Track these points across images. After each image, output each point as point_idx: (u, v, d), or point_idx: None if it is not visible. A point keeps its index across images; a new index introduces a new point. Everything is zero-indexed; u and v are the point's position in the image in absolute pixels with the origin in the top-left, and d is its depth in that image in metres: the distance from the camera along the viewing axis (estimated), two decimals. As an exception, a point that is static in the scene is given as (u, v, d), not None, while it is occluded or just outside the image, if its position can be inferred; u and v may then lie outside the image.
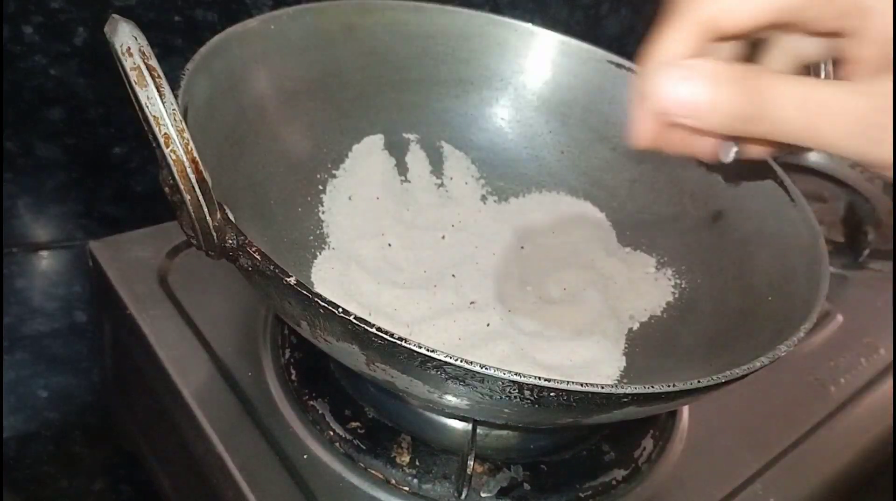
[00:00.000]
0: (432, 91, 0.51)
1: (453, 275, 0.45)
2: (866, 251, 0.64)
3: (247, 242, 0.31)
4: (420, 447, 0.40)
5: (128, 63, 0.27)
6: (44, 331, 0.56)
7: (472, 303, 0.44)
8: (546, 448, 0.42)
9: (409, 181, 0.50)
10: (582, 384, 0.28)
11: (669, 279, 0.47)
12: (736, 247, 0.44)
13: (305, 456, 0.39)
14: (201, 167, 0.29)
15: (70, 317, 0.57)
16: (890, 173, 0.23)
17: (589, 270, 0.48)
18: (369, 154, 0.49)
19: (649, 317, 0.45)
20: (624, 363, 0.42)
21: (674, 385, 0.30)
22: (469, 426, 0.39)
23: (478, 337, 0.41)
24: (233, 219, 0.32)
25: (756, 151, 0.27)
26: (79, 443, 0.55)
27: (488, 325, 0.42)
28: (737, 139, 0.26)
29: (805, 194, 0.43)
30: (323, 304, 0.29)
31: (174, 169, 0.28)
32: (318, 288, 0.41)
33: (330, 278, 0.42)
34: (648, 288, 0.47)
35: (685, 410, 0.47)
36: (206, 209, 0.30)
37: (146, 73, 0.27)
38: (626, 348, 0.43)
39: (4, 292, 0.55)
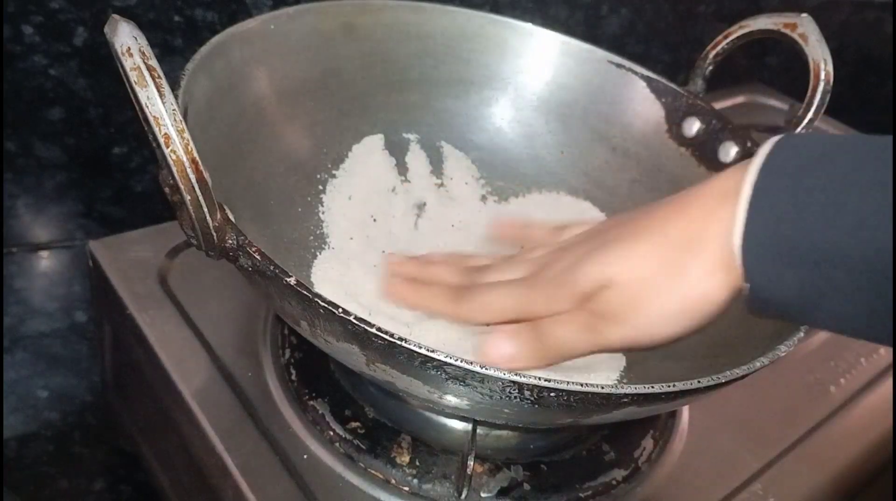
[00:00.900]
0: (432, 91, 0.51)
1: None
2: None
3: (247, 242, 0.31)
4: (420, 447, 0.40)
5: (128, 63, 0.27)
6: (44, 331, 0.56)
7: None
8: (546, 448, 0.42)
9: (409, 181, 0.50)
10: (582, 384, 0.29)
11: (669, 279, 0.47)
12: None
13: (305, 456, 0.39)
14: (201, 167, 0.29)
15: (70, 317, 0.57)
16: None
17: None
18: (369, 154, 0.49)
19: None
20: (624, 363, 0.42)
21: (674, 385, 0.30)
22: (469, 426, 0.39)
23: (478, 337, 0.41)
24: (233, 219, 0.32)
25: None
26: (79, 443, 0.55)
27: (488, 325, 0.42)
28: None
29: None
30: (323, 304, 0.29)
31: (174, 169, 0.28)
32: (318, 288, 0.41)
33: (330, 278, 0.42)
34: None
35: (685, 410, 0.47)
36: (206, 209, 0.30)
37: (146, 73, 0.27)
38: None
39: (4, 292, 0.55)
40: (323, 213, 0.46)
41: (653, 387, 0.30)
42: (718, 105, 0.51)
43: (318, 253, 0.44)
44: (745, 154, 0.46)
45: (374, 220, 0.47)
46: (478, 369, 0.28)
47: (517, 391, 0.29)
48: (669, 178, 0.49)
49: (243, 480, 0.37)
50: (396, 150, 0.50)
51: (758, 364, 0.32)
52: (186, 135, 0.28)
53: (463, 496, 0.38)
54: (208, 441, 0.39)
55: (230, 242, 0.31)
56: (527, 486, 0.39)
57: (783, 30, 0.45)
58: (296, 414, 0.41)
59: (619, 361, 0.42)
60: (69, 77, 0.52)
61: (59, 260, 0.58)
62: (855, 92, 1.03)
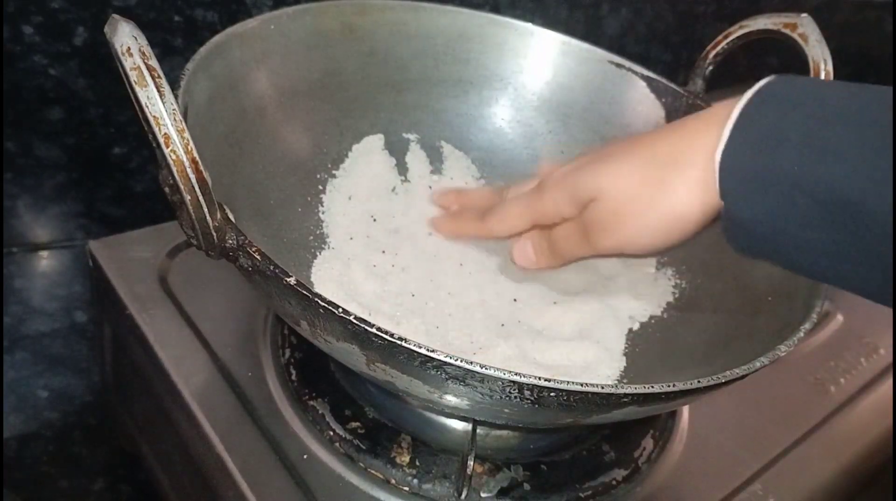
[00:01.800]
0: (432, 91, 0.51)
1: (452, 275, 0.45)
2: (866, 251, 0.64)
3: (247, 242, 0.31)
4: (420, 447, 0.40)
5: (128, 63, 0.27)
6: (44, 331, 0.56)
7: (471, 303, 0.44)
8: (546, 448, 0.42)
9: (409, 181, 0.50)
10: (582, 384, 0.29)
11: (669, 279, 0.47)
12: (736, 247, 0.44)
13: (305, 456, 0.39)
14: (201, 167, 0.29)
15: (70, 317, 0.57)
16: None
17: (589, 270, 0.48)
18: (369, 154, 0.49)
19: (649, 317, 0.45)
20: (624, 363, 0.42)
21: (674, 385, 0.30)
22: (469, 426, 0.39)
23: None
24: (233, 219, 0.32)
25: None
26: (79, 443, 0.55)
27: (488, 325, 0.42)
28: None
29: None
30: (323, 304, 0.29)
31: (174, 169, 0.28)
32: (318, 288, 0.41)
33: (330, 278, 0.42)
34: (648, 288, 0.47)
35: (685, 410, 0.47)
36: (206, 209, 0.30)
37: (146, 73, 0.27)
38: (626, 348, 0.43)
39: (4, 292, 0.55)
40: (323, 213, 0.46)
41: (653, 387, 0.30)
42: (718, 105, 0.50)
43: (318, 253, 0.44)
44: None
45: (374, 220, 0.47)
46: (478, 369, 0.28)
47: (517, 391, 0.29)
48: (669, 178, 0.49)
49: (243, 480, 0.37)
50: (396, 150, 0.50)
51: (758, 364, 0.32)
52: (186, 135, 0.28)
53: (463, 496, 0.38)
54: (208, 441, 0.39)
55: (230, 242, 0.31)
56: (527, 486, 0.39)
57: (783, 30, 0.45)
58: (296, 414, 0.41)
59: (620, 361, 0.42)
60: (69, 77, 0.52)
61: (59, 260, 0.58)
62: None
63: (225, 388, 0.42)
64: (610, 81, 0.51)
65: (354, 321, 0.29)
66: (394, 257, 0.45)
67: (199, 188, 0.29)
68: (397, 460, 0.39)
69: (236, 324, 0.46)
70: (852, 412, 0.50)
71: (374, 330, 0.28)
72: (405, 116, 0.51)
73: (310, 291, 0.29)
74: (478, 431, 0.39)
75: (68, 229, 0.58)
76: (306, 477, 0.38)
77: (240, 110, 0.42)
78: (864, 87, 0.30)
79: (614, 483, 0.41)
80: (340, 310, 0.29)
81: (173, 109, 0.28)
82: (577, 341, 0.43)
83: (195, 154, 0.29)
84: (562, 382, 0.28)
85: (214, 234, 0.31)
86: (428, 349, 0.28)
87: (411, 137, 0.51)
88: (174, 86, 0.33)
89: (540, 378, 0.28)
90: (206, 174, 0.29)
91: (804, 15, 0.45)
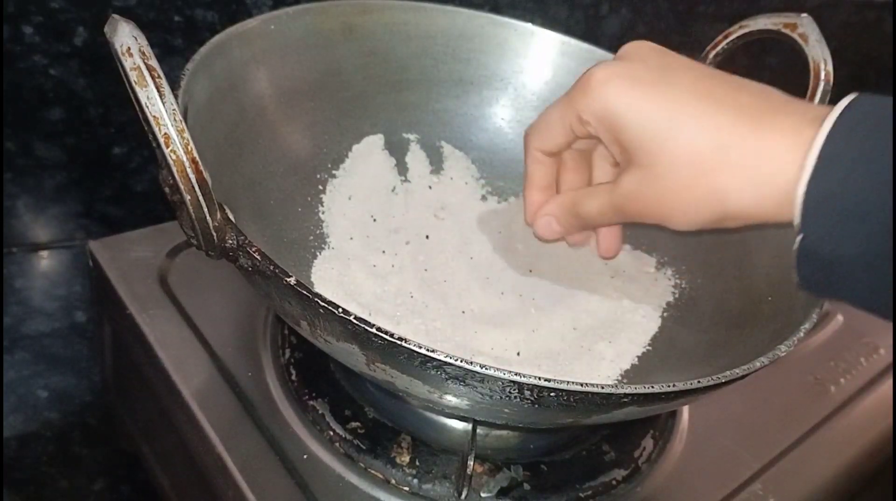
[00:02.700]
0: (432, 91, 0.51)
1: (452, 275, 0.45)
2: (866, 251, 0.64)
3: (247, 242, 0.31)
4: (420, 447, 0.40)
5: (128, 63, 0.27)
6: (44, 331, 0.56)
7: (470, 303, 0.44)
8: (546, 448, 0.42)
9: (409, 181, 0.50)
10: (582, 384, 0.28)
11: (669, 279, 0.47)
12: (736, 247, 0.44)
13: (305, 456, 0.39)
14: (201, 167, 0.29)
15: (70, 317, 0.57)
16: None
17: (590, 270, 0.48)
18: (369, 154, 0.49)
19: (649, 317, 0.45)
20: (624, 363, 0.42)
21: (674, 385, 0.30)
22: (469, 426, 0.39)
23: (477, 337, 0.41)
24: (233, 219, 0.32)
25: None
26: (79, 443, 0.55)
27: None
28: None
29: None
30: (323, 304, 0.29)
31: (174, 169, 0.28)
32: (318, 288, 0.41)
33: (330, 278, 0.42)
34: (648, 288, 0.47)
35: (685, 410, 0.47)
36: (206, 209, 0.30)
37: (146, 73, 0.27)
38: (626, 348, 0.43)
39: (4, 292, 0.55)
40: (323, 213, 0.46)
41: (653, 387, 0.30)
42: (718, 105, 0.50)
43: (318, 253, 0.44)
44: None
45: (374, 220, 0.47)
46: (478, 369, 0.28)
47: (517, 391, 0.29)
48: (669, 178, 0.49)
49: (243, 480, 0.37)
50: (396, 150, 0.50)
51: (758, 364, 0.32)
52: (186, 135, 0.28)
53: (463, 496, 0.38)
54: (208, 441, 0.39)
55: (230, 242, 0.31)
56: (527, 486, 0.39)
57: (783, 30, 0.45)
58: (296, 414, 0.41)
59: (620, 361, 0.42)
60: (69, 77, 0.52)
61: (59, 260, 0.58)
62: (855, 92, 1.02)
63: (225, 388, 0.42)
64: (610, 81, 0.51)
65: (354, 321, 0.29)
66: (394, 257, 0.45)
67: (199, 188, 0.29)
68: (397, 460, 0.39)
69: (236, 324, 0.46)
70: (852, 412, 0.50)
71: (374, 330, 0.28)
72: (405, 116, 0.51)
73: (310, 291, 0.29)
74: (478, 431, 0.39)
75: (68, 229, 0.58)
76: (306, 477, 0.38)
77: (240, 110, 0.42)
78: None
79: (614, 483, 0.41)
80: (340, 310, 0.29)
81: (173, 109, 0.28)
82: (578, 340, 0.43)
83: (195, 154, 0.29)
84: (562, 382, 0.28)
85: (214, 234, 0.31)
86: (428, 349, 0.28)
87: (411, 137, 0.51)
88: (174, 86, 0.33)
89: (540, 378, 0.28)
90: (206, 174, 0.29)
91: (804, 15, 0.45)
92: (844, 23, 0.98)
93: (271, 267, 0.30)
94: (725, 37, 0.48)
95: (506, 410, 0.32)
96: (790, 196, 0.30)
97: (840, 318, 0.58)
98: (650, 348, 0.43)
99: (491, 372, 0.28)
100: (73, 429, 0.55)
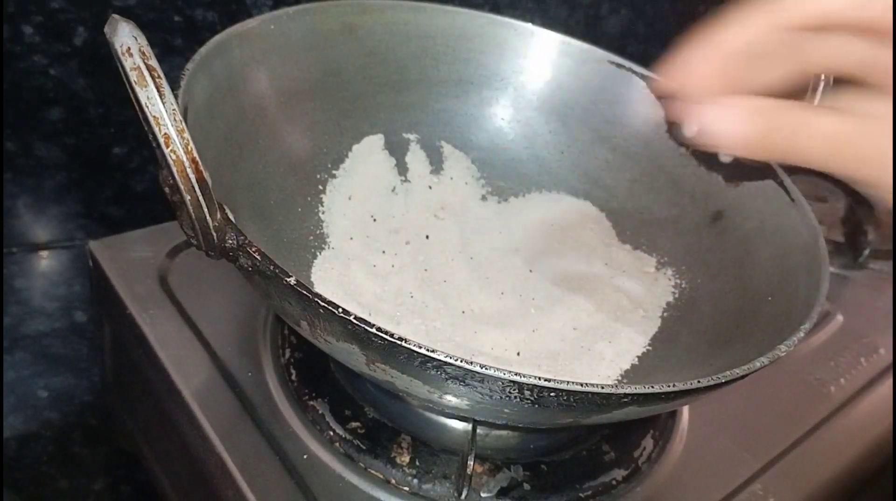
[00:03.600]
0: (432, 91, 0.51)
1: (452, 275, 0.45)
2: (866, 251, 0.64)
3: (247, 242, 0.31)
4: (420, 447, 0.40)
5: (128, 63, 0.27)
6: (44, 331, 0.56)
7: (470, 303, 0.44)
8: (546, 448, 0.42)
9: (409, 181, 0.50)
10: (582, 384, 0.28)
11: (669, 279, 0.47)
12: (736, 247, 0.44)
13: (305, 456, 0.39)
14: (201, 167, 0.29)
15: (70, 317, 0.57)
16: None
17: (589, 270, 0.48)
18: (369, 154, 0.49)
19: (649, 317, 0.45)
20: (625, 364, 0.42)
21: (674, 385, 0.30)
22: (469, 426, 0.39)
23: (477, 337, 0.41)
24: (233, 219, 0.32)
25: None
26: (79, 443, 0.55)
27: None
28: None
29: (805, 194, 0.43)
30: (323, 304, 0.29)
31: (174, 169, 0.28)
32: (318, 288, 0.41)
33: (330, 278, 0.42)
34: (648, 288, 0.47)
35: (685, 410, 0.47)
36: (206, 209, 0.30)
37: (146, 73, 0.27)
38: (626, 348, 0.43)
39: (4, 292, 0.55)
40: (323, 213, 0.46)
41: (653, 387, 0.30)
42: (718, 105, 0.50)
43: (318, 253, 0.44)
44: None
45: (374, 220, 0.47)
46: (478, 369, 0.28)
47: (517, 391, 0.29)
48: (669, 178, 0.49)
49: (243, 480, 0.37)
50: (396, 150, 0.50)
51: (758, 364, 0.32)
52: (186, 135, 0.28)
53: (463, 496, 0.38)
54: (208, 441, 0.39)
55: (230, 242, 0.31)
56: (527, 486, 0.39)
57: (783, 30, 0.45)
58: (296, 414, 0.41)
59: (620, 361, 0.42)
60: (69, 77, 0.52)
61: (59, 260, 0.58)
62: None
63: (225, 388, 0.42)
64: (610, 81, 0.51)
65: (354, 321, 0.29)
66: (394, 257, 0.45)
67: (199, 188, 0.29)
68: (397, 460, 0.39)
69: (236, 324, 0.46)
70: (852, 412, 0.50)
71: (374, 330, 0.28)
72: (405, 116, 0.51)
73: (310, 291, 0.29)
74: (478, 431, 0.39)
75: (68, 229, 0.58)
76: (306, 477, 0.38)
77: (240, 110, 0.42)
78: None
79: (614, 483, 0.41)
80: (340, 310, 0.29)
81: (173, 109, 0.28)
82: (578, 340, 0.43)
83: (195, 154, 0.29)
84: (562, 382, 0.28)
85: (214, 234, 0.31)
86: (428, 349, 0.28)
87: (411, 137, 0.51)
88: (174, 86, 0.33)
89: (540, 378, 0.28)
90: (206, 174, 0.29)
91: (804, 15, 0.45)
92: (844, 23, 0.97)
93: (271, 267, 0.30)
94: (725, 37, 0.48)
95: (506, 410, 0.32)
96: None
97: (840, 318, 0.58)
98: (650, 348, 0.44)
99: (491, 372, 0.28)
100: (73, 429, 0.55)
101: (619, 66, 0.51)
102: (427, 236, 0.47)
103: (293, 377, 0.43)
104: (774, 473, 0.45)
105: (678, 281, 0.47)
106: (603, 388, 0.29)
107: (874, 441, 0.49)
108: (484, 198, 0.51)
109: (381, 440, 0.40)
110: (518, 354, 0.41)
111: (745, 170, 0.45)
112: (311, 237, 0.45)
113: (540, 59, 0.52)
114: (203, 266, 0.48)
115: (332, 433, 0.40)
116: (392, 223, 0.48)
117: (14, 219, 0.55)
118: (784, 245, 0.41)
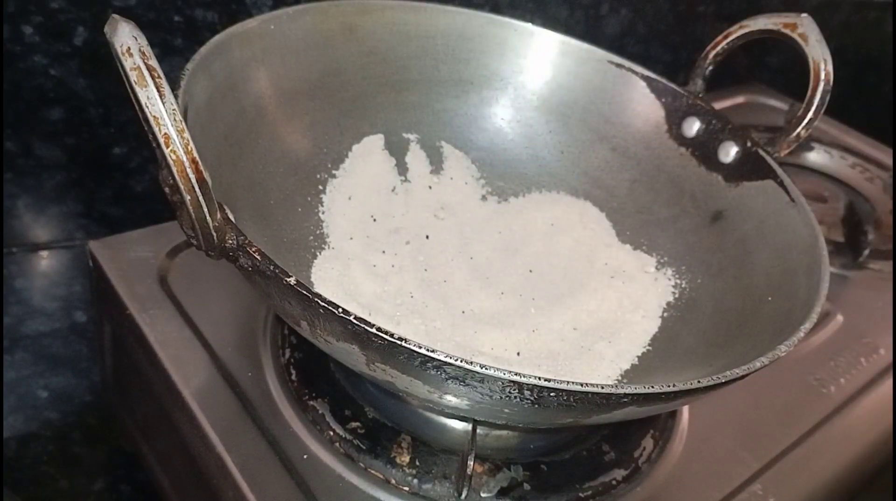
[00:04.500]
0: (432, 91, 0.51)
1: (452, 275, 0.45)
2: (866, 251, 0.64)
3: (247, 242, 0.31)
4: (420, 447, 0.40)
5: (128, 63, 0.27)
6: (44, 331, 0.56)
7: (470, 303, 0.44)
8: (546, 448, 0.42)
9: (409, 181, 0.50)
10: (582, 384, 0.28)
11: (669, 279, 0.47)
12: (736, 247, 0.44)
13: (305, 456, 0.39)
14: (201, 167, 0.29)
15: (70, 317, 0.57)
16: None
17: (589, 270, 0.48)
18: (369, 154, 0.49)
19: (649, 318, 0.45)
20: (625, 364, 0.42)
21: (674, 385, 0.30)
22: (469, 426, 0.39)
23: (477, 337, 0.41)
24: (233, 219, 0.32)
25: None
26: (79, 443, 0.55)
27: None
28: None
29: (805, 194, 0.43)
30: (323, 304, 0.29)
31: (174, 169, 0.28)
32: (318, 288, 0.41)
33: (330, 278, 0.42)
34: (648, 288, 0.47)
35: (685, 410, 0.47)
36: (206, 209, 0.30)
37: (146, 73, 0.27)
38: (626, 348, 0.43)
39: (4, 292, 0.55)
40: (323, 213, 0.46)
41: (653, 387, 0.30)
42: (718, 105, 0.51)
43: (318, 253, 0.44)
44: (745, 154, 0.46)
45: (374, 220, 0.47)
46: (478, 369, 0.28)
47: (517, 391, 0.29)
48: (669, 178, 0.49)
49: (243, 480, 0.37)
50: (396, 150, 0.50)
51: (758, 364, 0.32)
52: (186, 135, 0.28)
53: (463, 496, 0.38)
54: (208, 441, 0.39)
55: (230, 242, 0.31)
56: (527, 486, 0.39)
57: (783, 30, 0.45)
58: (296, 414, 0.41)
59: (620, 361, 0.42)
60: (69, 77, 0.52)
61: (59, 260, 0.58)
62: (855, 92, 1.03)
63: (225, 388, 0.42)
64: (610, 81, 0.51)
65: (354, 321, 0.29)
66: (394, 257, 0.45)
67: (199, 188, 0.29)
68: (397, 460, 0.39)
69: (236, 324, 0.46)
70: (852, 412, 0.50)
71: (374, 330, 0.28)
72: (405, 116, 0.51)
73: (310, 291, 0.29)
74: (478, 431, 0.39)
75: (68, 229, 0.58)
76: (306, 477, 0.38)
77: (240, 110, 0.42)
78: None
79: (614, 483, 0.41)
80: (340, 310, 0.29)
81: (173, 109, 0.28)
82: (578, 340, 0.43)
83: (195, 154, 0.29)
84: (562, 382, 0.28)
85: (214, 234, 0.31)
86: (428, 349, 0.28)
87: (411, 137, 0.51)
88: (174, 86, 0.33)
89: (540, 378, 0.28)
90: (206, 174, 0.29)
91: (804, 15, 0.45)
92: (844, 23, 0.98)
93: (271, 267, 0.30)
94: (725, 37, 0.49)
95: (506, 410, 0.32)
96: None
97: (840, 318, 0.58)
98: (650, 348, 0.44)
99: (491, 372, 0.28)
100: (73, 429, 0.55)
101: (619, 66, 0.51)
102: (427, 236, 0.47)
103: (293, 377, 0.43)
104: (774, 473, 0.45)
105: (678, 281, 0.47)
106: (603, 388, 0.29)
107: (874, 441, 0.49)
108: (484, 198, 0.52)
109: (381, 440, 0.40)
110: (518, 354, 0.41)
111: (745, 170, 0.45)
112: (311, 237, 0.45)
113: (540, 59, 0.52)
114: (203, 266, 0.48)
115: (332, 433, 0.40)
116: (392, 223, 0.48)
117: (14, 219, 0.55)
118: (784, 245, 0.41)
